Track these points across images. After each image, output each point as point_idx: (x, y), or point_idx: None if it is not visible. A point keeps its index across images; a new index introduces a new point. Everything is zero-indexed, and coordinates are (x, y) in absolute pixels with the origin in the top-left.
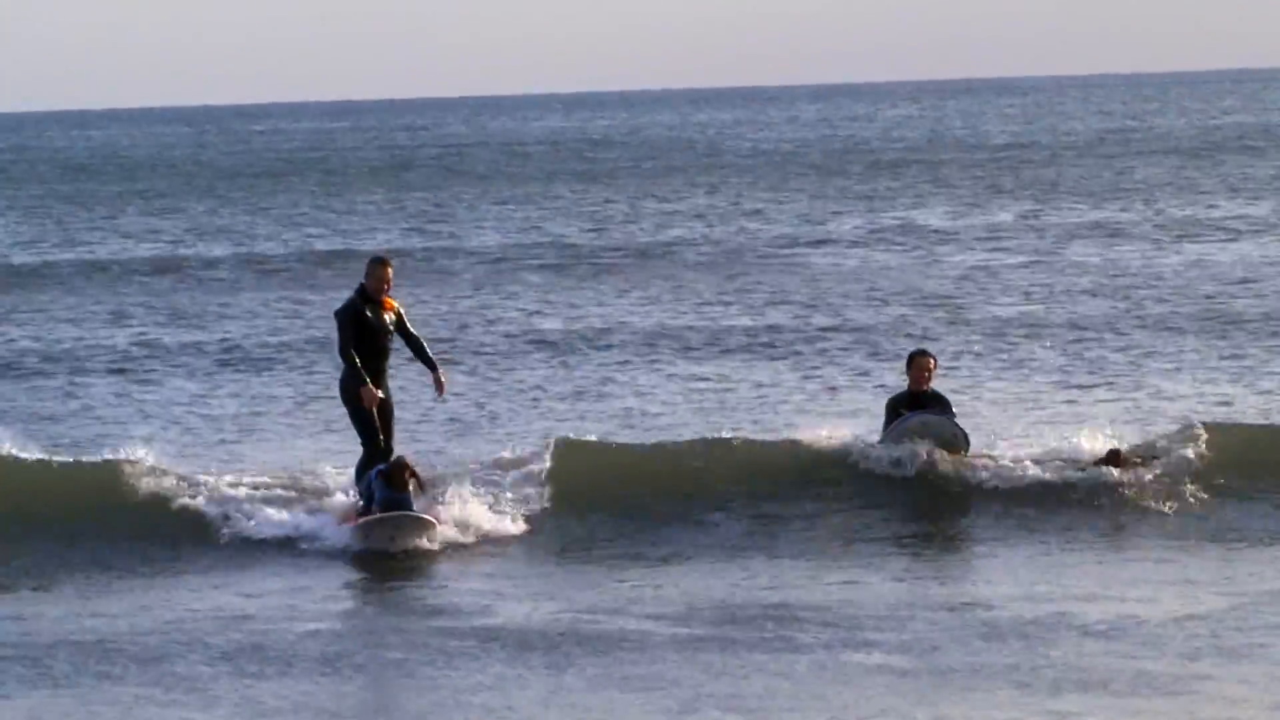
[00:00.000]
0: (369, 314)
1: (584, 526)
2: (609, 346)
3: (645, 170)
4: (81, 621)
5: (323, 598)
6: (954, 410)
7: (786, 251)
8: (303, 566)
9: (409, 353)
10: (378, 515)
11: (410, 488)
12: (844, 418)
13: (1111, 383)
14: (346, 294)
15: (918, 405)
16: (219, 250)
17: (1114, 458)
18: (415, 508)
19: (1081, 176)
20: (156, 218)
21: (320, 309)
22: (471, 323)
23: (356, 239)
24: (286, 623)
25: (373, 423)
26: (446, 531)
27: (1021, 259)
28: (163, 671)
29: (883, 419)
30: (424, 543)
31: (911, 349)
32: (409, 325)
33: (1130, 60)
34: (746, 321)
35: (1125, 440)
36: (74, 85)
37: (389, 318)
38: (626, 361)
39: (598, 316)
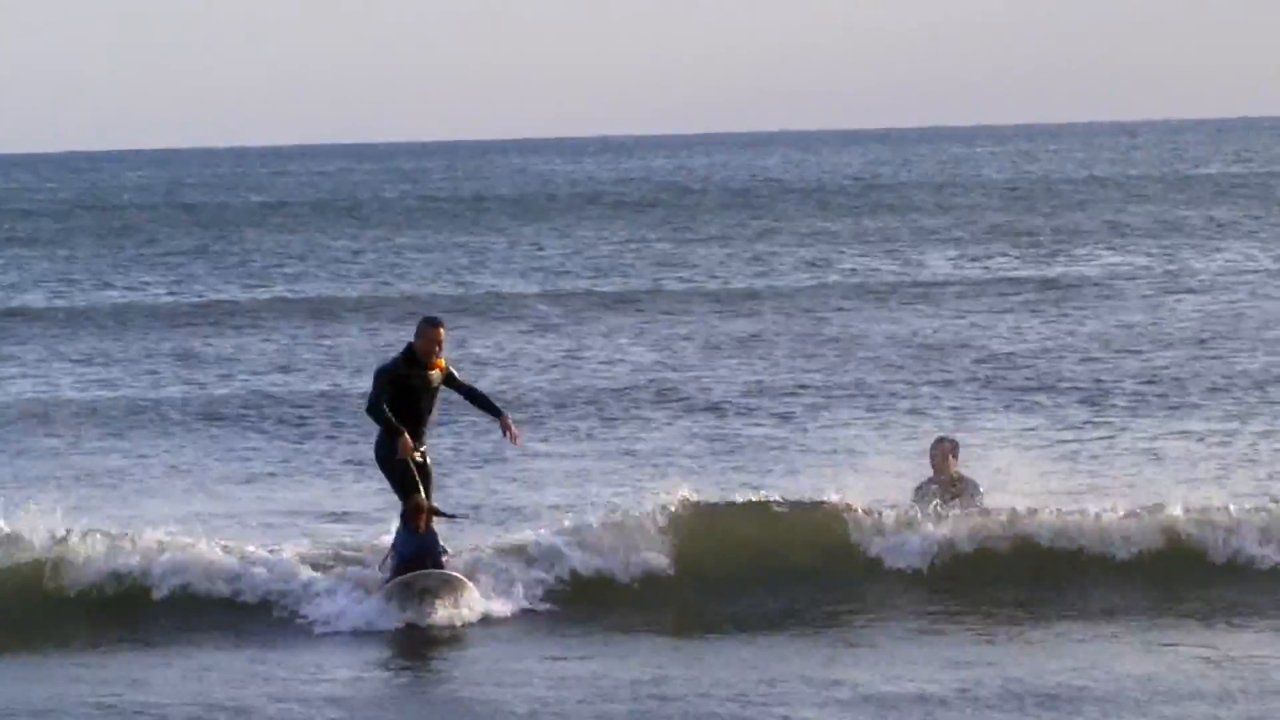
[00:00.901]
0: (411, 375)
1: (621, 593)
2: (627, 395)
3: (656, 211)
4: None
5: (353, 669)
6: (981, 492)
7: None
8: (331, 642)
9: (473, 414)
10: (403, 577)
11: (430, 530)
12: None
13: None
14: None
15: (946, 494)
16: (238, 293)
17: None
18: (444, 563)
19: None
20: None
21: (349, 353)
22: (507, 369)
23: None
24: (311, 684)
25: (413, 481)
26: (477, 601)
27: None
28: None
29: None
30: (458, 609)
31: (934, 437)
32: (459, 379)
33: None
34: (762, 375)
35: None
36: (74, 127)
37: (435, 375)
38: (637, 409)
39: (615, 364)
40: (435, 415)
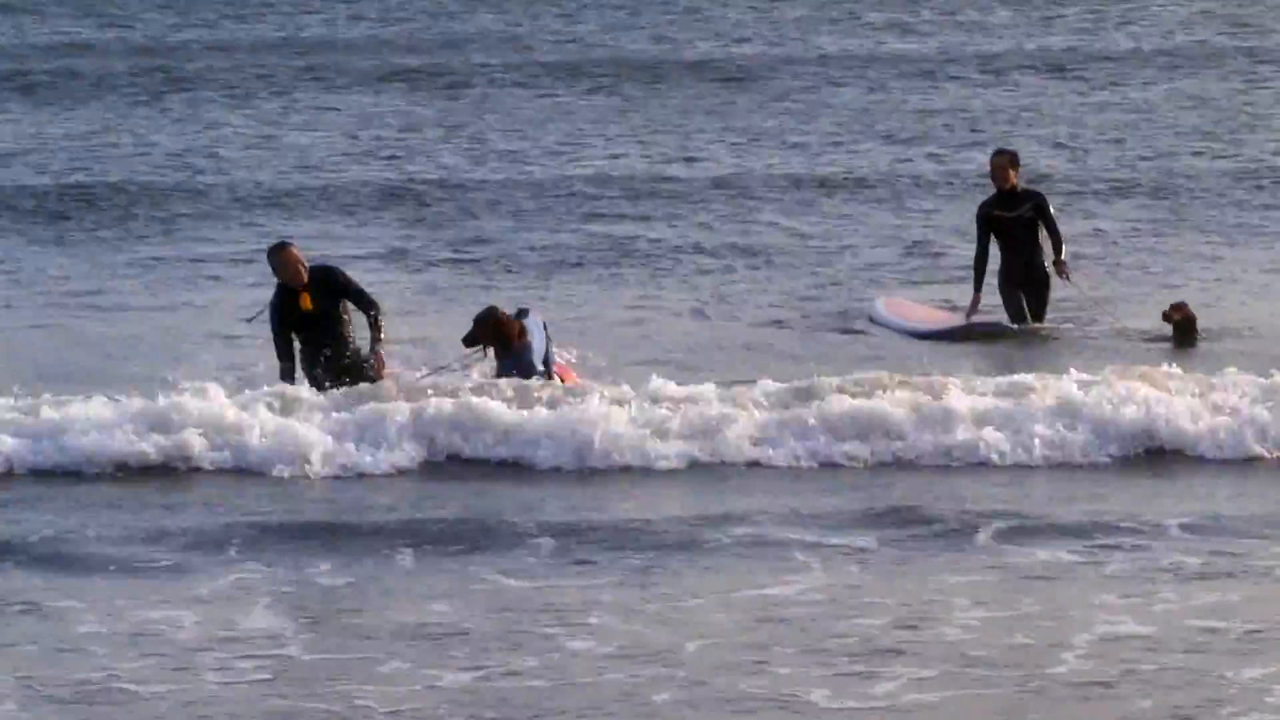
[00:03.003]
0: (289, 305)
1: None
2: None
3: None
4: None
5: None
6: (1050, 207)
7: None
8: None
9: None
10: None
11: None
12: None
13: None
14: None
15: (1008, 206)
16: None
17: (1180, 317)
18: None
19: None
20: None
21: None
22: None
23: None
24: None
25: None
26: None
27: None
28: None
29: (975, 232)
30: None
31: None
32: (352, 285)
33: None
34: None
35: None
36: None
37: (310, 296)
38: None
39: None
40: (349, 327)
